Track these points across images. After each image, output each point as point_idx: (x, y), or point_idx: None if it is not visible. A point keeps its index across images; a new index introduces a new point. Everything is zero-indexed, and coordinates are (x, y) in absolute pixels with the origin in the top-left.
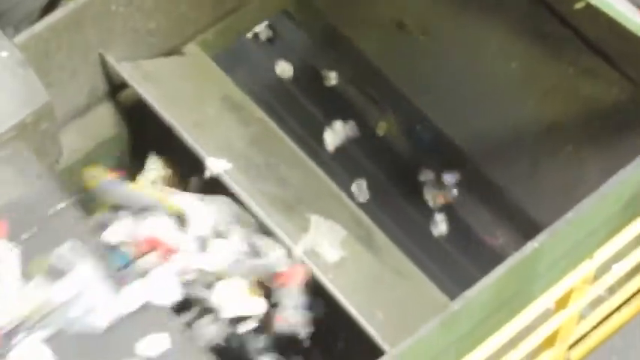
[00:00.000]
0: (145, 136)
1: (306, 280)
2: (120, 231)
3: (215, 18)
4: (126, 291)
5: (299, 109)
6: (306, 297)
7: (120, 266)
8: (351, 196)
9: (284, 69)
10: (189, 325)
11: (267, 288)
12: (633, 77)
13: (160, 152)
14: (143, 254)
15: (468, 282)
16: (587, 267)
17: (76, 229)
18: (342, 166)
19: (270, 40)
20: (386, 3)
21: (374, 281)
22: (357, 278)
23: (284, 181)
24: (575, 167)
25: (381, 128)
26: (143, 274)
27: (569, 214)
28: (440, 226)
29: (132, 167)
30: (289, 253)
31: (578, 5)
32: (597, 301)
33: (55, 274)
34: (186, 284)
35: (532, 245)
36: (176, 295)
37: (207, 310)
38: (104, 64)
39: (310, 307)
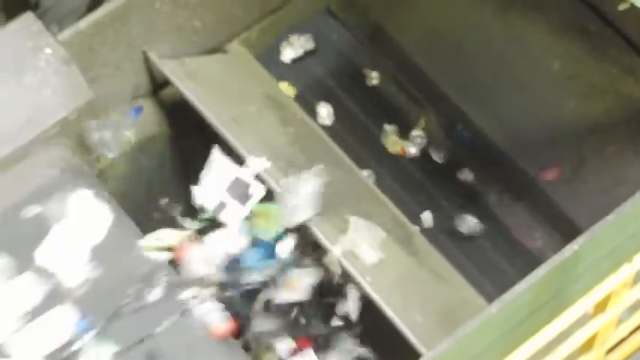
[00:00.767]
0: (186, 133)
1: None
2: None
3: (259, 16)
4: None
5: (340, 107)
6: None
7: None
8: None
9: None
10: None
11: None
12: None
13: (201, 150)
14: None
15: (505, 284)
16: (627, 270)
17: None
18: (384, 167)
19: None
20: (430, 1)
21: (412, 283)
22: (395, 280)
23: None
24: (617, 168)
25: (420, 125)
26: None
27: (610, 217)
28: (470, 223)
29: (173, 164)
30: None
31: (622, 6)
32: (636, 305)
33: None
34: None
35: (572, 248)
36: None
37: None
38: (147, 62)
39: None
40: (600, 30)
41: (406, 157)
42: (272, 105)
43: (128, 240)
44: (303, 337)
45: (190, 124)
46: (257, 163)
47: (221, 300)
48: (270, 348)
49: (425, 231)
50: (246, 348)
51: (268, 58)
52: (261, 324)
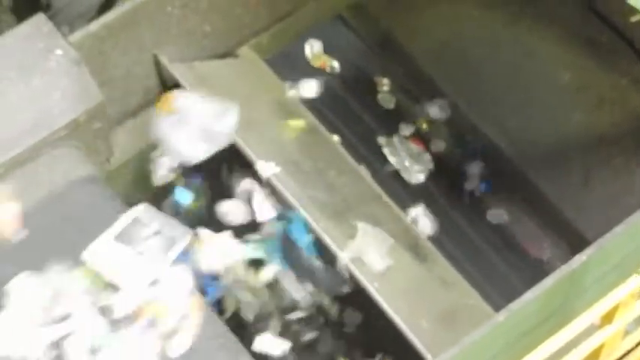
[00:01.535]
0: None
1: None
2: None
3: (270, 21)
4: None
5: (350, 114)
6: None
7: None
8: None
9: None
10: None
11: None
12: None
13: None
14: None
15: (512, 293)
16: (635, 282)
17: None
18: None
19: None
20: (440, 11)
21: (419, 290)
22: (403, 287)
23: (333, 187)
24: (625, 180)
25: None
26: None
27: (618, 228)
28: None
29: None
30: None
31: (634, 18)
32: None
33: None
34: None
35: (580, 258)
36: None
37: None
38: (158, 65)
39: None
40: (610, 41)
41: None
42: (281, 110)
43: None
44: None
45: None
46: (266, 168)
47: None
48: None
49: (432, 238)
50: None
51: (279, 64)
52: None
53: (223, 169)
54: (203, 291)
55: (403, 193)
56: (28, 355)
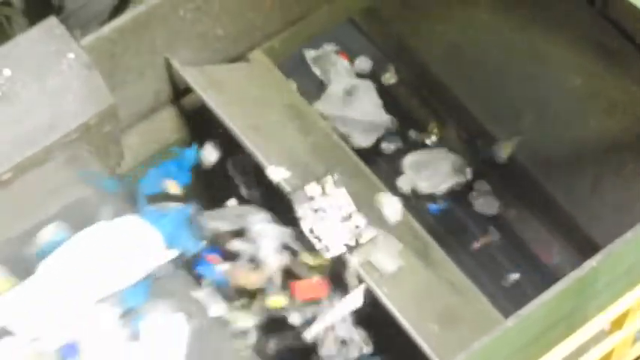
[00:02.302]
0: (207, 141)
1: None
2: None
3: (281, 25)
4: None
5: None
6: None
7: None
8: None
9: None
10: None
11: None
12: None
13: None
14: None
15: (522, 299)
16: None
17: None
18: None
19: None
20: (452, 15)
21: (428, 295)
22: (411, 291)
23: None
24: (635, 186)
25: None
26: None
27: (628, 234)
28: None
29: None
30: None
31: None
32: None
33: None
34: None
35: (589, 264)
36: None
37: None
38: (169, 69)
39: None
40: (622, 48)
41: None
42: (293, 114)
43: None
44: None
45: (210, 132)
46: (276, 172)
47: None
48: None
49: (441, 242)
50: None
51: (290, 68)
52: None
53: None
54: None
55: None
56: None
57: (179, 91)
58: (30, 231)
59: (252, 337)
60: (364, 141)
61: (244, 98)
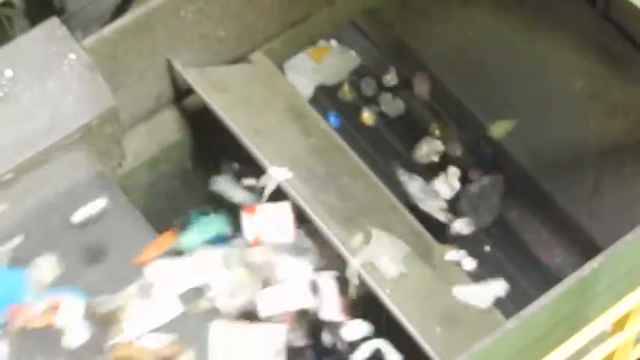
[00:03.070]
0: (208, 142)
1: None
2: None
3: (283, 27)
4: None
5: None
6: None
7: None
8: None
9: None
10: None
11: None
12: None
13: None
14: None
15: (523, 300)
16: None
17: None
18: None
19: None
20: (454, 17)
21: (430, 296)
22: (414, 293)
23: (345, 192)
24: (637, 187)
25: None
26: None
27: (629, 235)
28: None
29: (194, 173)
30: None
31: None
32: None
33: None
34: None
35: (591, 266)
36: None
37: None
38: (171, 70)
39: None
40: (624, 50)
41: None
42: (294, 115)
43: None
44: None
45: (211, 133)
46: (279, 174)
47: None
48: None
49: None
50: None
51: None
52: None
53: None
54: None
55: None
56: None
57: (180, 92)
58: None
59: None
60: None
61: (246, 99)
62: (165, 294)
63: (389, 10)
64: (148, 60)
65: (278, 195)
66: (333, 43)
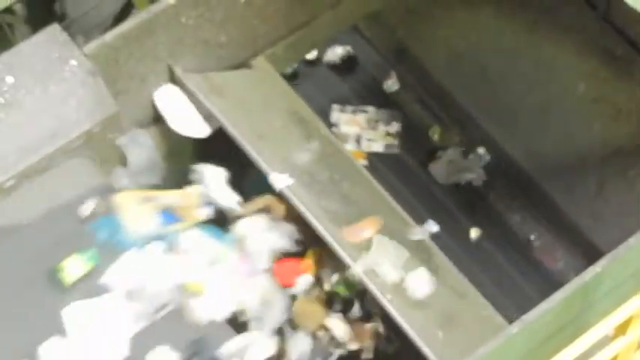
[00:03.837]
0: (210, 148)
1: None
2: None
3: (285, 32)
4: None
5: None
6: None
7: None
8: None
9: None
10: None
11: None
12: None
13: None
14: None
15: (526, 304)
16: None
17: None
18: (407, 186)
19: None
20: (456, 21)
21: (432, 302)
22: (416, 299)
23: (347, 197)
24: (639, 192)
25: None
26: None
27: (632, 239)
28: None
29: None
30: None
31: None
32: None
33: None
34: None
35: (593, 270)
36: None
37: None
38: (172, 76)
39: None
40: (626, 53)
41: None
42: (296, 121)
43: None
44: None
45: (213, 139)
46: (280, 180)
47: None
48: None
49: (445, 249)
50: None
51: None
52: None
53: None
54: None
55: (413, 200)
56: None
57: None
58: None
59: None
60: None
61: (247, 105)
62: None
63: (391, 15)
64: (149, 66)
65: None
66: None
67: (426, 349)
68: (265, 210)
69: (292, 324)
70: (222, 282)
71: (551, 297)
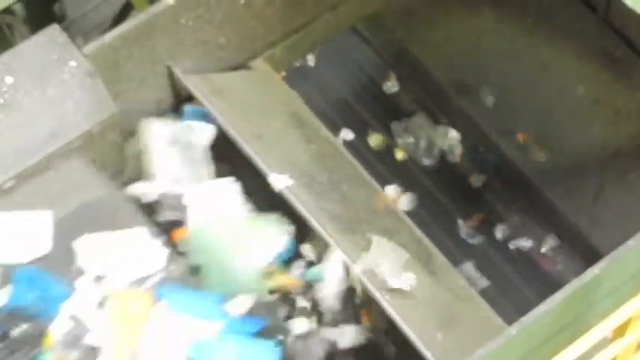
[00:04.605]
0: (210, 149)
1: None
2: None
3: (284, 34)
4: None
5: (364, 126)
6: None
7: None
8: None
9: None
10: None
11: None
12: None
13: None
14: None
15: (525, 306)
16: None
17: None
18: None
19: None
20: (456, 23)
21: (431, 303)
22: (415, 299)
23: (346, 199)
24: (639, 194)
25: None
26: None
27: (631, 242)
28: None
29: None
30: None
31: None
32: None
33: None
34: None
35: (592, 272)
36: None
37: None
38: (171, 77)
39: None
40: (625, 55)
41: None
42: (295, 122)
43: None
44: None
45: (213, 140)
46: (279, 180)
47: None
48: None
49: (444, 251)
50: None
51: (292, 76)
52: None
53: None
54: None
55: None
56: None
57: (181, 99)
58: None
59: None
60: None
61: (247, 106)
62: None
63: (390, 17)
64: (148, 67)
65: (278, 201)
66: None
67: (425, 351)
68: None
69: None
70: None
71: (549, 299)
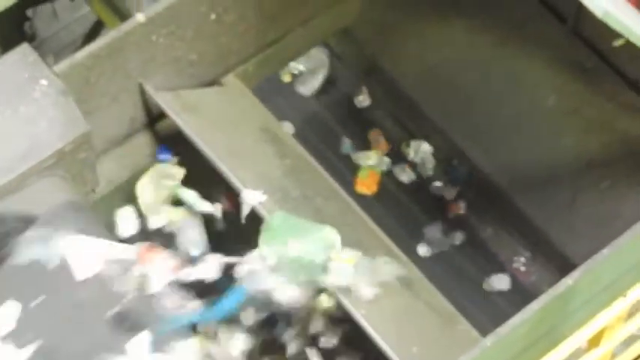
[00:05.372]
0: (182, 166)
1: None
2: None
3: (256, 49)
4: None
5: (335, 140)
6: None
7: None
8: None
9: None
10: None
11: None
12: None
13: (197, 183)
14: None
15: (500, 317)
16: (621, 305)
17: None
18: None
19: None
20: (426, 37)
21: (406, 316)
22: (390, 313)
23: (320, 213)
24: (612, 204)
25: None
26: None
27: (605, 251)
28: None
29: None
30: None
31: (618, 42)
32: (630, 340)
33: None
34: None
35: (566, 282)
36: None
37: None
38: (143, 94)
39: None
40: (596, 66)
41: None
42: (268, 138)
43: None
44: None
45: (186, 157)
46: (253, 196)
47: None
48: None
49: (419, 263)
50: None
51: (264, 92)
52: None
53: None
54: None
55: (389, 217)
56: None
57: (153, 116)
58: None
59: None
60: None
61: (219, 122)
62: None
63: (361, 31)
64: (120, 84)
65: (253, 218)
66: None
67: None
68: None
69: None
70: None
71: (524, 310)
